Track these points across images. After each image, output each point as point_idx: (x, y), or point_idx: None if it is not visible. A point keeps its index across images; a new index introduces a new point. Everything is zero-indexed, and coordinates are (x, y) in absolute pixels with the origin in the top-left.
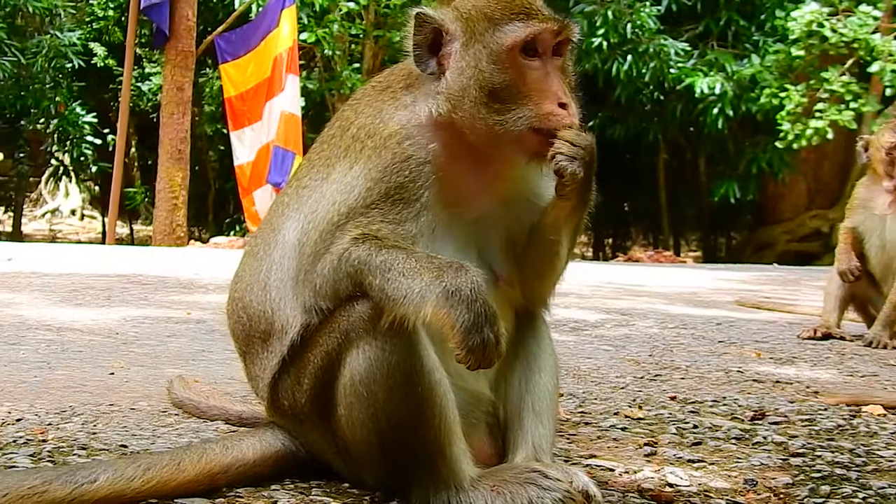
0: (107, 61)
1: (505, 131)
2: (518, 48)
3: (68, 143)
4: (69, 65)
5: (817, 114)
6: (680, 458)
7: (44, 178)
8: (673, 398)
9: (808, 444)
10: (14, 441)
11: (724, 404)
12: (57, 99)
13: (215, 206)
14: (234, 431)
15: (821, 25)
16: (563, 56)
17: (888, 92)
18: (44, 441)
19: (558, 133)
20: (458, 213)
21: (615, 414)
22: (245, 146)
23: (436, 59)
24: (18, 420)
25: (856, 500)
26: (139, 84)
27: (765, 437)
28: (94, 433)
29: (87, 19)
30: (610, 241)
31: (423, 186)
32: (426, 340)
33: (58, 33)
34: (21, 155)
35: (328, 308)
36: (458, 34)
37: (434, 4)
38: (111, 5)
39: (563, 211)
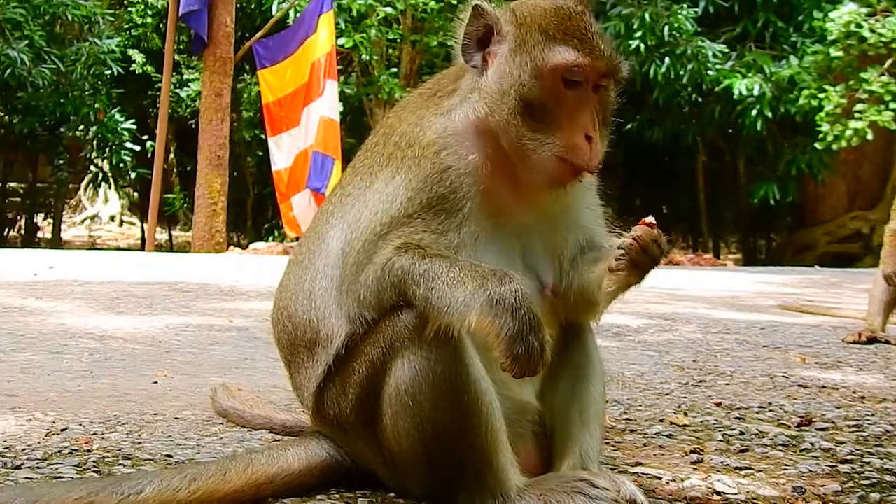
0: (145, 68)
1: (532, 150)
2: (561, 71)
3: (107, 149)
4: (108, 72)
5: (856, 114)
6: (727, 465)
7: (83, 185)
8: (718, 404)
9: (857, 450)
10: (59, 451)
11: (770, 410)
12: (96, 106)
13: (254, 212)
14: (278, 441)
15: (859, 26)
16: (604, 92)
17: None
18: (89, 451)
19: (635, 231)
20: (501, 222)
21: (661, 421)
22: (283, 151)
23: (482, 55)
24: (63, 430)
25: None
26: (178, 90)
27: (812, 444)
28: (139, 443)
29: (126, 26)
30: None
31: (465, 197)
32: (471, 349)
33: (97, 40)
34: (61, 161)
35: (373, 318)
36: (509, 37)
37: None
38: (149, 12)
39: (611, 280)
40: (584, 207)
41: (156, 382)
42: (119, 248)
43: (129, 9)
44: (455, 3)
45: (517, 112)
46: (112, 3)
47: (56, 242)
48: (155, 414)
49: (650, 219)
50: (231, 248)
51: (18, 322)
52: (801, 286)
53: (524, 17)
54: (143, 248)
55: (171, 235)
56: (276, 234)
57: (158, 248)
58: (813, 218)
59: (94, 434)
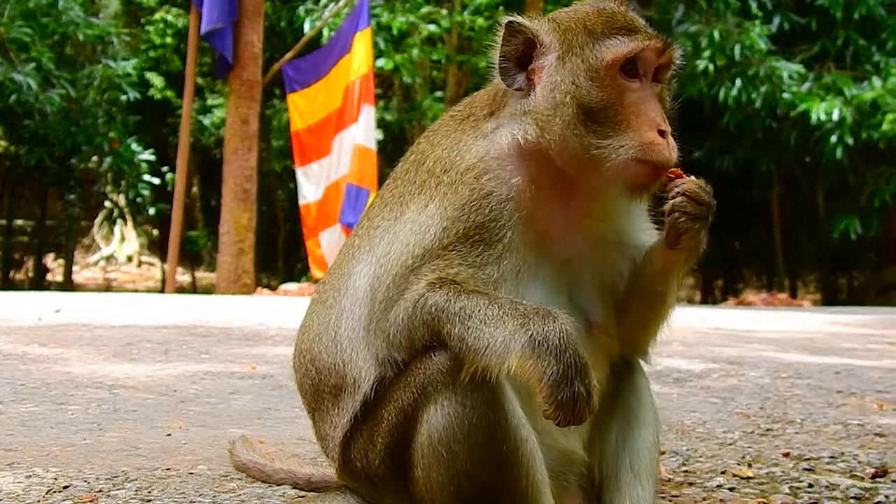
0: (165, 93)
1: (604, 159)
2: (619, 64)
3: (123, 182)
4: (124, 97)
5: None
6: None
7: (97, 222)
8: (786, 455)
9: None
10: None
11: (843, 460)
12: (111, 135)
13: (285, 250)
14: (302, 497)
15: None
16: (663, 82)
17: None
18: None
19: (680, 186)
20: (545, 255)
21: (722, 473)
22: (311, 183)
23: (524, 75)
24: (66, 487)
25: None
26: (200, 117)
27: (887, 497)
28: (149, 500)
29: (143, 47)
30: (720, 282)
31: (506, 226)
32: (511, 395)
33: (111, 63)
34: (72, 196)
35: (403, 360)
36: (553, 46)
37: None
38: (169, 32)
39: (673, 261)
40: (638, 231)
41: (169, 435)
42: (136, 291)
43: (147, 28)
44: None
45: (578, 121)
46: (128, 21)
47: (68, 285)
48: (167, 469)
49: (677, 170)
50: (260, 289)
51: (19, 370)
52: (882, 327)
53: (566, 21)
54: (162, 291)
55: (194, 277)
56: (308, 274)
57: (180, 290)
58: None
59: (100, 491)
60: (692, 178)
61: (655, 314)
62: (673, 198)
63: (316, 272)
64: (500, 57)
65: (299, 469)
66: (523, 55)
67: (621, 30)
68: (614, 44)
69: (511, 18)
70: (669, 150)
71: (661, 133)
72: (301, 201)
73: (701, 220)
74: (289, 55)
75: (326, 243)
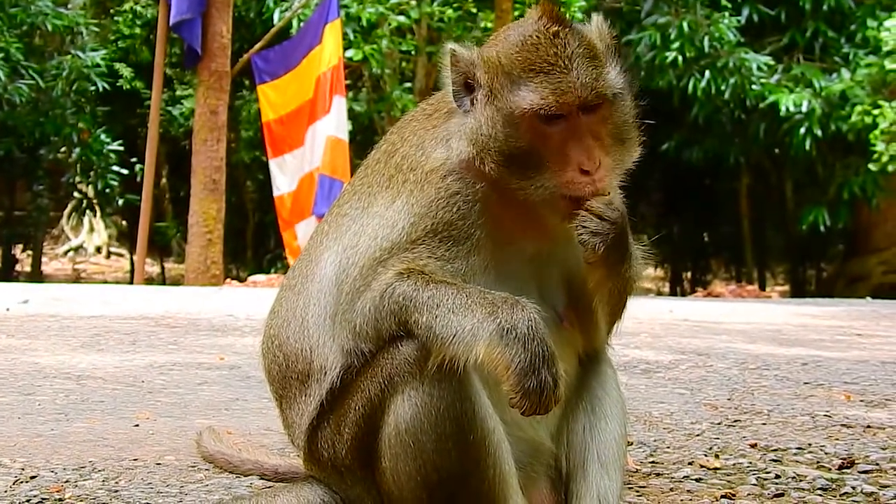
0: (134, 83)
1: (527, 195)
2: (531, 115)
3: (92, 173)
4: (92, 88)
5: None
6: None
7: (66, 213)
8: (753, 446)
9: None
10: (28, 500)
11: (810, 452)
12: (79, 125)
13: (254, 242)
14: (269, 487)
15: None
16: (596, 113)
17: None
18: (60, 500)
19: (587, 204)
20: (512, 251)
21: (690, 464)
22: (286, 175)
23: (470, 99)
24: (33, 477)
25: None
26: (169, 108)
27: (854, 488)
28: (116, 491)
29: (112, 38)
30: (688, 274)
31: (474, 224)
32: (478, 385)
33: (80, 53)
34: (40, 187)
35: (370, 350)
36: (482, 83)
37: (492, 17)
38: (138, 22)
39: (597, 276)
40: None
41: (137, 425)
42: (105, 282)
43: (116, 18)
44: (474, 11)
45: (501, 162)
46: (97, 12)
47: (36, 276)
48: (134, 459)
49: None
50: (229, 280)
51: None
52: (850, 319)
53: (490, 59)
54: (132, 282)
55: (163, 268)
56: (279, 265)
57: (149, 281)
58: (867, 246)
59: (67, 481)
60: (605, 196)
61: (602, 312)
62: (578, 216)
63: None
64: (451, 80)
65: (267, 460)
66: (466, 82)
67: (538, 73)
68: (527, 94)
69: (453, 47)
70: (593, 183)
71: (586, 172)
72: (275, 192)
73: (601, 235)
74: (258, 46)
75: (303, 235)
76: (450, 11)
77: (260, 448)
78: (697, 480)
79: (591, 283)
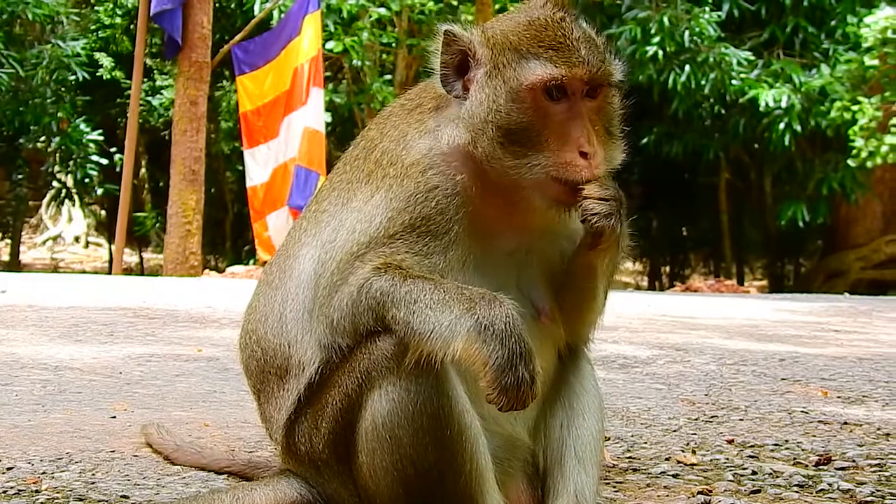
0: (114, 73)
1: (521, 177)
2: (540, 88)
3: (71, 163)
4: (72, 77)
5: (893, 129)
6: None
7: (44, 202)
8: (730, 442)
9: (878, 490)
10: (4, 492)
11: (787, 448)
12: (59, 114)
13: (233, 233)
14: (246, 480)
15: None
16: (598, 98)
17: None
18: (37, 492)
19: (585, 191)
20: (491, 246)
21: (667, 459)
22: (259, 165)
23: (462, 82)
24: (9, 469)
25: None
26: (149, 98)
27: (830, 484)
28: (93, 482)
29: (93, 27)
30: (666, 269)
31: (452, 219)
32: (456, 380)
33: (60, 42)
34: (19, 176)
35: (347, 346)
36: (483, 61)
37: (473, 10)
38: (119, 12)
39: (595, 262)
40: (577, 220)
41: (114, 417)
42: (84, 272)
43: (97, 8)
44: (455, 3)
45: (499, 141)
46: (77, 1)
47: (14, 265)
48: (112, 451)
49: None
50: (207, 271)
51: None
52: (828, 315)
53: (495, 34)
54: (110, 272)
55: (141, 258)
56: (255, 257)
57: (127, 271)
58: (845, 241)
59: (44, 473)
60: (591, 182)
61: (589, 306)
62: (580, 206)
63: (263, 255)
64: (441, 64)
65: (200, 459)
66: (461, 63)
67: (547, 50)
68: (536, 66)
69: (448, 27)
70: (590, 169)
71: (585, 154)
72: (248, 183)
73: (614, 215)
74: (238, 37)
75: (274, 226)
76: (431, 4)
77: (237, 441)
78: (674, 476)
79: (586, 265)
